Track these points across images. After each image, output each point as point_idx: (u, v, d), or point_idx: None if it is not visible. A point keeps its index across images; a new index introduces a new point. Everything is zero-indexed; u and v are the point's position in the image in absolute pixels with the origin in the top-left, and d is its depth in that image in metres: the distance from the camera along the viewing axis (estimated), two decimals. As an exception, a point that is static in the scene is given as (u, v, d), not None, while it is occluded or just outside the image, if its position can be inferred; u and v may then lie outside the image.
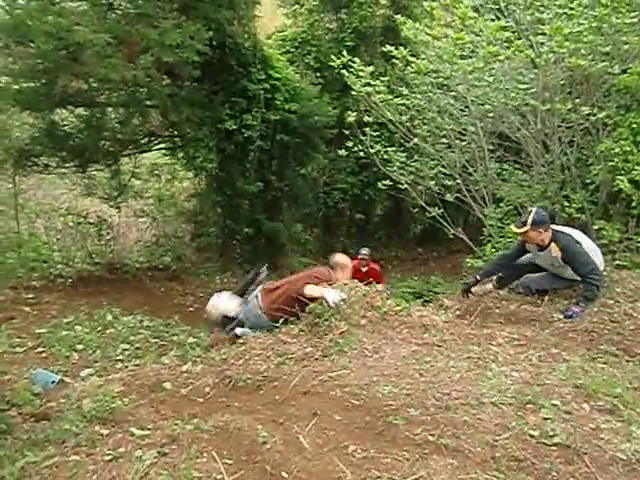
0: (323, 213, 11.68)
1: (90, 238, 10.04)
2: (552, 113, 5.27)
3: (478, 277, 4.22)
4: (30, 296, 6.98)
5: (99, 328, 6.49)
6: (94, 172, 9.32)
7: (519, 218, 4.05)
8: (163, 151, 10.13)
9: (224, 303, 5.06)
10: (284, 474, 2.35)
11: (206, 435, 2.79)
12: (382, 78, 6.84)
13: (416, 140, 6.61)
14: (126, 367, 5.23)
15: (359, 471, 2.29)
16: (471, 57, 5.59)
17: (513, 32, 5.34)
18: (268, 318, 4.45)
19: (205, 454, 2.59)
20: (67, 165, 8.47)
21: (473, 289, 4.22)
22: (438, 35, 5.52)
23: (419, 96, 6.51)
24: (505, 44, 5.22)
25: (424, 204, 6.89)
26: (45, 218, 10.33)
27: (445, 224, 6.64)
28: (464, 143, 6.31)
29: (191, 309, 8.22)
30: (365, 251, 7.52)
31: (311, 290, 4.09)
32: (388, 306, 3.71)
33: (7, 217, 9.55)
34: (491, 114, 5.92)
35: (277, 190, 9.83)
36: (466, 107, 6.06)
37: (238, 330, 4.69)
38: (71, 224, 10.18)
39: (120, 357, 5.54)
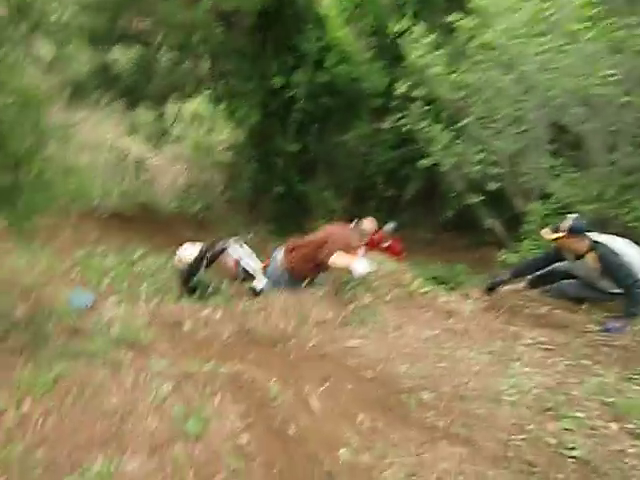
0: (356, 184, 11.53)
1: (128, 177, 10.20)
2: (630, 107, 4.65)
3: (507, 276, 4.03)
4: (70, 223, 7.18)
5: (128, 262, 6.69)
6: (140, 113, 9.39)
7: (555, 224, 3.78)
8: (207, 100, 10.06)
9: (184, 254, 5.20)
10: (290, 430, 2.39)
11: (221, 379, 2.85)
12: (440, 51, 6.51)
13: (467, 121, 6.30)
14: (149, 302, 5.41)
15: (365, 441, 2.31)
16: (546, 35, 5.07)
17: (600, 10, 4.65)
18: (289, 276, 4.54)
19: (219, 395, 2.65)
20: (116, 103, 8.52)
21: (500, 288, 4.05)
22: (514, 6, 5.13)
23: (478, 74, 6.00)
24: (590, 23, 4.63)
25: (463, 190, 6.70)
26: (89, 152, 10.49)
27: (481, 214, 6.44)
28: (518, 131, 5.91)
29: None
30: (391, 226, 7.39)
31: (338, 260, 3.99)
32: (415, 286, 3.67)
33: (57, 147, 9.72)
34: (555, 102, 5.31)
35: (314, 154, 9.72)
36: (528, 92, 5.62)
37: (261, 284, 4.76)
38: (113, 161, 10.36)
39: (144, 292, 5.70)
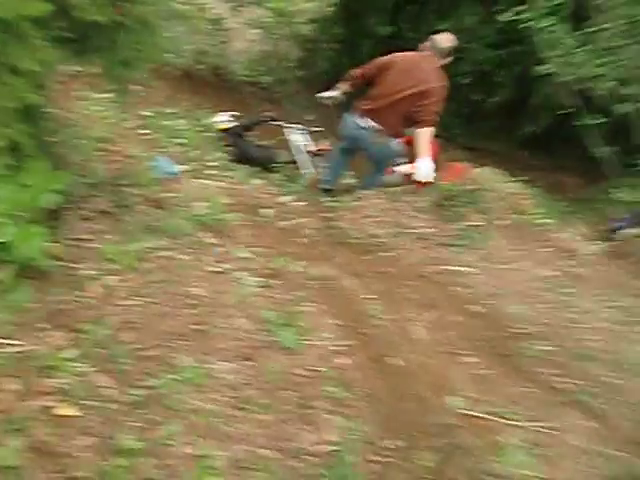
0: (439, 82, 10.40)
1: (203, 35, 9.37)
2: None
3: (629, 219, 3.43)
4: (139, 78, 6.68)
5: (198, 128, 6.27)
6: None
7: None
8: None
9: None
10: (393, 359, 2.06)
11: (312, 283, 2.51)
12: None
13: (604, 26, 5.18)
14: (219, 175, 5.08)
15: (479, 390, 1.96)
16: None
17: None
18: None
19: (311, 304, 2.33)
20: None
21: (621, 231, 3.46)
22: None
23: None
24: None
25: (576, 106, 5.76)
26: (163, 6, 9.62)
27: (592, 139, 5.57)
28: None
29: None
30: None
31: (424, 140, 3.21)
32: (535, 216, 3.12)
33: None
34: None
35: (404, 40, 8.60)
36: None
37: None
38: (188, 15, 9.48)
39: (215, 163, 5.33)
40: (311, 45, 10.37)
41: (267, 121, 5.15)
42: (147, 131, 5.49)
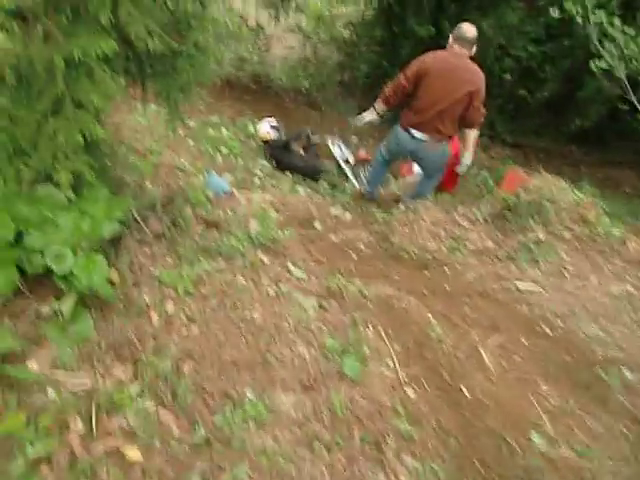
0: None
1: (244, 43, 9.43)
2: None
3: None
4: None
5: (241, 137, 6.26)
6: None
7: None
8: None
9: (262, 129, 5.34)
10: (465, 390, 1.93)
11: (369, 304, 2.40)
12: None
13: None
14: (263, 185, 5.04)
15: (560, 426, 1.80)
16: None
17: None
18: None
19: (371, 327, 2.22)
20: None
21: None
22: None
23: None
24: None
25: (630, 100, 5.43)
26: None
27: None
28: None
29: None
30: None
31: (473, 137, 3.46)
32: (602, 224, 2.90)
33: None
34: None
35: (446, 39, 8.35)
36: None
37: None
38: (229, 24, 9.53)
39: (258, 173, 5.30)
40: (350, 49, 10.26)
41: (307, 136, 5.18)
42: (193, 142, 5.54)
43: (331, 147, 5.22)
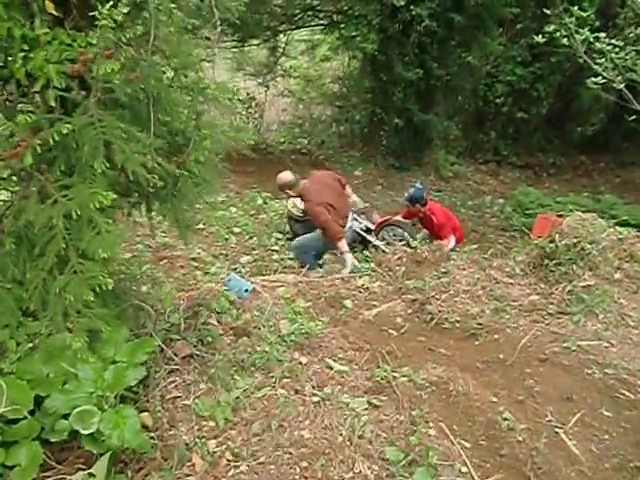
0: (477, 107, 10.05)
1: (238, 116, 9.58)
2: None
3: None
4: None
5: (251, 212, 6.18)
6: (248, 48, 8.55)
7: None
8: (319, 29, 8.93)
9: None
10: (557, 491, 1.66)
11: (423, 395, 2.17)
12: None
13: None
14: (282, 259, 4.89)
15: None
16: None
17: None
18: None
19: (430, 423, 1.99)
20: (226, 40, 7.70)
21: None
22: None
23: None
24: None
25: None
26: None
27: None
28: None
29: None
30: (419, 185, 5.64)
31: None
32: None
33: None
34: None
35: (435, 79, 8.39)
36: None
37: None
38: (220, 99, 9.75)
39: (275, 247, 5.17)
40: (342, 102, 10.37)
41: None
42: (204, 226, 5.45)
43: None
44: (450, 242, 4.36)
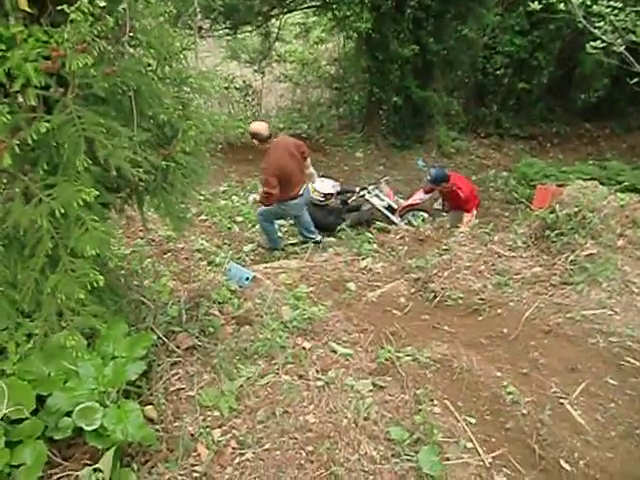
0: (477, 80, 9.88)
1: (236, 104, 9.51)
2: None
3: None
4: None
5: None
6: (242, 35, 8.43)
7: None
8: (311, 11, 8.75)
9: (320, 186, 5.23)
10: (565, 464, 1.65)
11: (428, 373, 2.16)
12: None
13: None
14: (285, 246, 4.88)
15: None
16: None
17: None
18: None
19: (435, 401, 1.98)
20: (218, 28, 7.60)
21: None
22: None
23: None
24: None
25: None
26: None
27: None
28: None
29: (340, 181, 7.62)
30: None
31: None
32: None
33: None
34: None
35: (432, 54, 8.24)
36: None
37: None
38: (217, 88, 9.67)
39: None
40: (339, 84, 10.23)
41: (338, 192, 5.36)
42: (207, 217, 5.44)
43: (369, 198, 5.17)
44: (473, 216, 4.37)
